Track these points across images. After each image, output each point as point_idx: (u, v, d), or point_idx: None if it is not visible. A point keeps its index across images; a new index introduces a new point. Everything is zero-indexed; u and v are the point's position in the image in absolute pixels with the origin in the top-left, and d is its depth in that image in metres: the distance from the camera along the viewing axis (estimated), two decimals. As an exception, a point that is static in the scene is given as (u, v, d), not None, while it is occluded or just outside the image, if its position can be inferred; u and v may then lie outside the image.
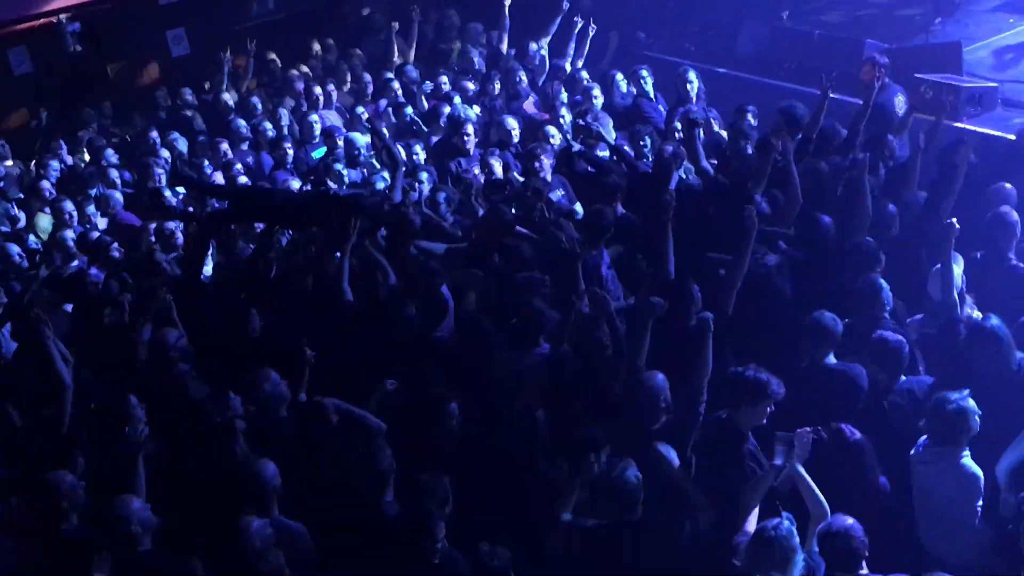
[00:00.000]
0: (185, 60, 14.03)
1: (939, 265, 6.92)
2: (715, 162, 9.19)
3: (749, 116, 9.58)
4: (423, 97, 11.99)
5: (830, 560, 5.15)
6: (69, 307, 8.52)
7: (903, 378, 6.31)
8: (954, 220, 6.83)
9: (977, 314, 6.83)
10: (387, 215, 8.18)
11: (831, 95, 9.00)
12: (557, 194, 9.23)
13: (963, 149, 7.91)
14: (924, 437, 5.82)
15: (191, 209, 9.65)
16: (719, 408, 6.12)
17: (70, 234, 9.77)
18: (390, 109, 11.75)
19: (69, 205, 10.21)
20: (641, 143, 9.66)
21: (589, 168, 9.25)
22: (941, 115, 9.03)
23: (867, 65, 9.83)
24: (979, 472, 5.67)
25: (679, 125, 9.58)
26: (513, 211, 8.45)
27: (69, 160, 11.83)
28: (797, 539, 5.02)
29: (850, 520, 5.18)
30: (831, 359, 6.42)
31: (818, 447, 5.72)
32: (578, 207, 9.12)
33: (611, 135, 9.96)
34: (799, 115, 9.13)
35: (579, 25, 12.27)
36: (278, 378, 6.69)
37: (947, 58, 10.89)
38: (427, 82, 12.30)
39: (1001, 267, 7.25)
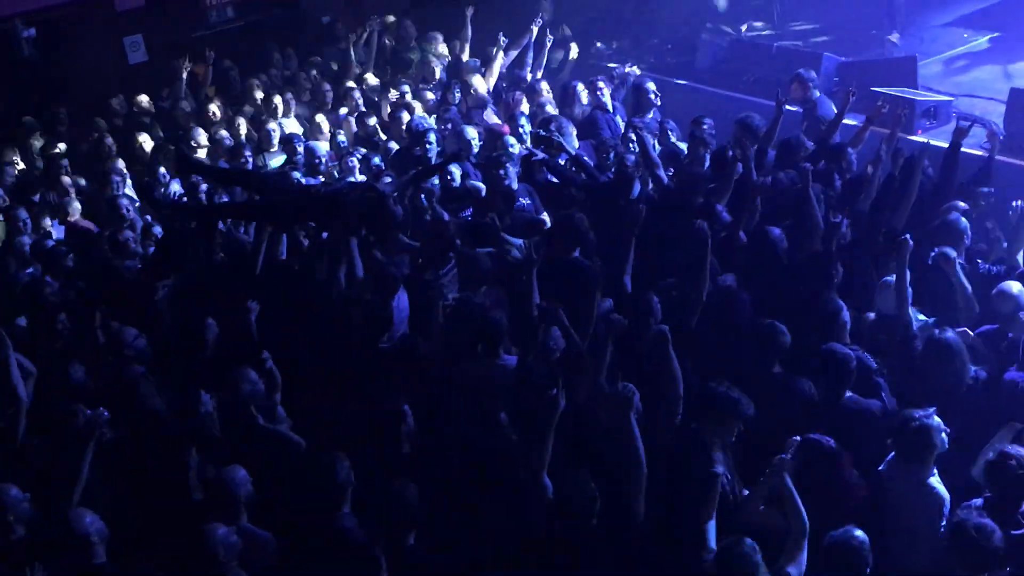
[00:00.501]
0: (142, 67, 13.90)
1: (890, 277, 6.93)
2: (671, 172, 9.22)
3: (705, 127, 9.61)
4: (385, 106, 11.94)
5: (835, 572, 5.12)
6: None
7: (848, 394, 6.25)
8: (907, 236, 6.86)
9: (922, 317, 6.88)
10: (369, 209, 8.09)
11: (788, 107, 9.09)
12: (523, 202, 9.22)
13: (917, 161, 8.00)
14: (892, 453, 5.82)
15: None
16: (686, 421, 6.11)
17: (25, 241, 9.64)
18: (351, 118, 11.72)
19: (23, 212, 10.07)
20: (605, 155, 9.69)
21: (550, 177, 9.27)
22: (896, 128, 9.14)
23: (795, 83, 10.02)
24: (945, 495, 5.65)
25: (633, 136, 9.61)
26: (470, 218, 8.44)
27: (23, 166, 11.68)
28: (760, 555, 5.01)
29: (863, 536, 5.13)
30: (777, 368, 6.45)
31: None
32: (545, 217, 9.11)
33: (574, 145, 9.95)
34: (756, 126, 9.22)
35: (536, 34, 12.29)
36: (256, 377, 6.63)
37: (903, 72, 11.07)
38: (391, 90, 12.27)
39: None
